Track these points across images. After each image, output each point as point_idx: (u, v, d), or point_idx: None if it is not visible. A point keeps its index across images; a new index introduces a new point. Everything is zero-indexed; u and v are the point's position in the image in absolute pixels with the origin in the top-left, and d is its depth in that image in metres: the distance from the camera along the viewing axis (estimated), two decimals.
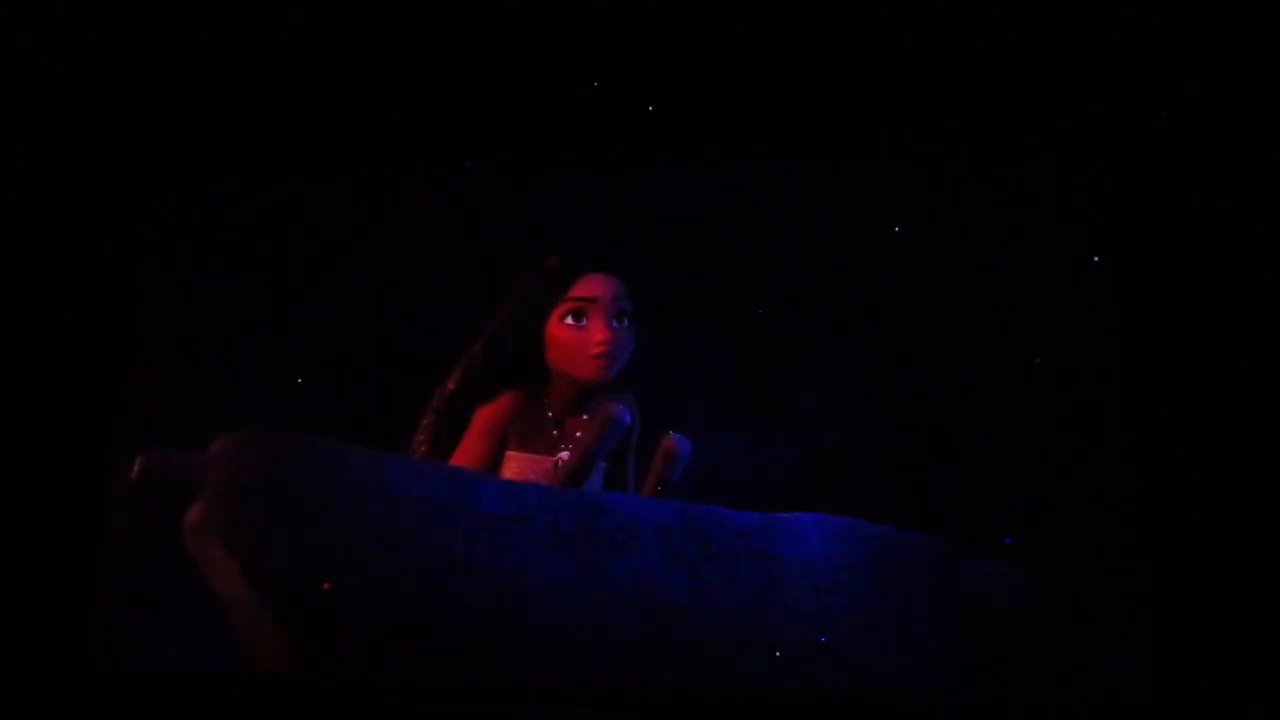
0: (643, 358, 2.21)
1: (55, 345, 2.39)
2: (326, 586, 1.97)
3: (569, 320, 2.11)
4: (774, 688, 2.04)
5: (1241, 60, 2.25)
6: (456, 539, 2.00)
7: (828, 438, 2.25)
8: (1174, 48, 2.28)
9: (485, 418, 2.13)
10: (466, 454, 2.14)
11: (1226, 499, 2.11)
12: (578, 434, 2.14)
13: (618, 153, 2.44)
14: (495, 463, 2.14)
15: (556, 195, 2.41)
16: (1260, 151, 2.23)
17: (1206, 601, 2.08)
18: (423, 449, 2.18)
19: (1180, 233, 2.24)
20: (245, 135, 2.49)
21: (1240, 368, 2.17)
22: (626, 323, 2.15)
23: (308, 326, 2.36)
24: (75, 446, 2.33)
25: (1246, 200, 2.22)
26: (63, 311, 2.41)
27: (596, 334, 2.11)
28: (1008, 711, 2.09)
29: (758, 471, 2.23)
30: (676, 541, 2.05)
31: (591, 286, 2.12)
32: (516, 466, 2.13)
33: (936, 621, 2.06)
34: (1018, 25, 2.34)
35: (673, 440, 2.10)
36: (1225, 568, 2.09)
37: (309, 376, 2.32)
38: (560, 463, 2.11)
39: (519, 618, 1.99)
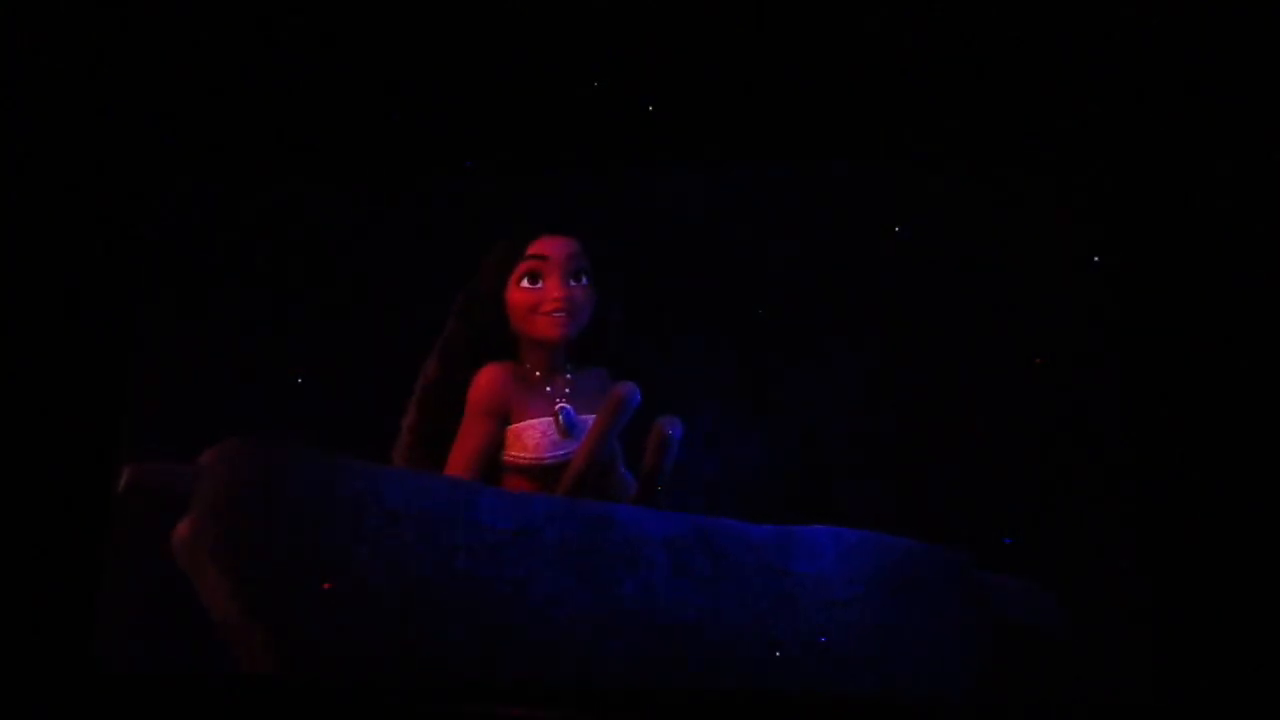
0: (614, 330, 2.22)
1: (55, 346, 2.39)
2: (327, 586, 1.96)
3: (525, 283, 2.13)
4: (786, 700, 2.03)
5: (1241, 60, 2.24)
6: (458, 554, 1.98)
7: (828, 437, 2.25)
8: (1174, 48, 2.28)
9: (481, 398, 2.13)
10: (472, 438, 2.13)
11: (1227, 499, 2.11)
12: (566, 390, 2.15)
13: (618, 153, 2.44)
14: (501, 442, 2.13)
15: (556, 195, 2.41)
16: (1260, 151, 2.23)
17: (1207, 602, 2.08)
18: (409, 440, 2.18)
19: (1180, 233, 2.24)
20: (245, 135, 2.49)
21: (1240, 368, 2.16)
22: (585, 281, 2.16)
23: (308, 326, 2.36)
24: (75, 446, 2.33)
25: (1246, 200, 2.22)
26: (63, 311, 2.41)
27: (551, 290, 2.12)
28: None
29: (758, 472, 2.23)
30: (687, 556, 2.02)
31: (544, 247, 2.15)
32: (524, 436, 2.12)
33: (955, 636, 2.05)
34: (1018, 25, 2.33)
35: (663, 425, 2.09)
36: (1226, 568, 2.09)
37: (309, 376, 2.32)
38: (562, 412, 2.11)
39: (521, 635, 1.97)
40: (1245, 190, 2.22)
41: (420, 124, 2.46)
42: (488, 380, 2.14)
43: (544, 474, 2.12)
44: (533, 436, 2.13)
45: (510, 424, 2.14)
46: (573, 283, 2.15)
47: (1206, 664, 2.05)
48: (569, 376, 2.19)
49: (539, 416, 2.14)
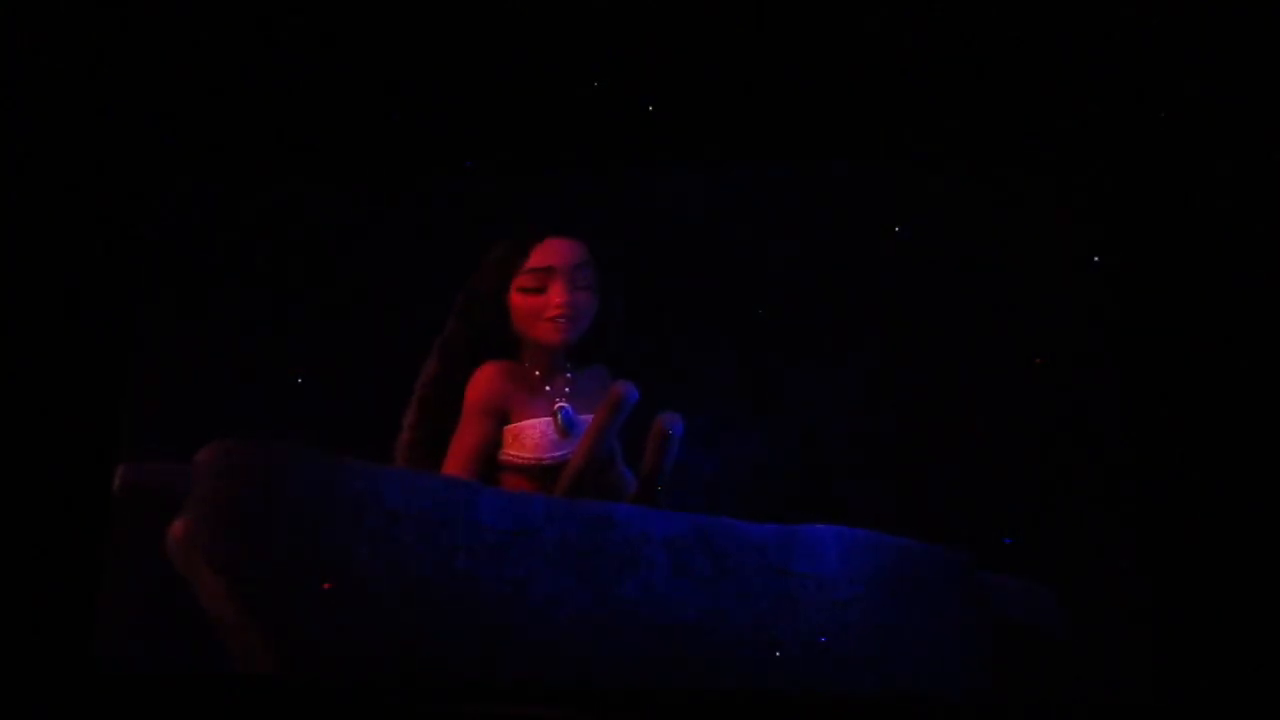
0: (615, 330, 2.22)
1: (55, 346, 2.39)
2: (327, 586, 1.96)
3: (529, 288, 2.14)
4: (787, 700, 2.03)
5: (1241, 60, 2.24)
6: (458, 554, 1.98)
7: (828, 437, 2.25)
8: (1174, 48, 2.28)
9: (479, 396, 2.14)
10: (469, 436, 2.13)
11: (1227, 499, 2.11)
12: (566, 390, 2.15)
13: (618, 153, 2.44)
14: (498, 441, 2.14)
15: (556, 195, 2.41)
16: (1260, 151, 2.23)
17: (1207, 602, 2.08)
18: (409, 438, 2.17)
19: (1180, 233, 2.24)
20: (245, 135, 2.49)
21: (1240, 367, 2.16)
22: (589, 286, 2.16)
23: (308, 326, 2.36)
24: (75, 446, 2.33)
25: (1246, 200, 2.22)
26: (62, 311, 2.41)
27: (555, 297, 2.13)
28: None
29: (758, 472, 2.23)
30: (687, 556, 2.02)
31: (549, 254, 2.15)
32: (523, 436, 2.12)
33: (955, 636, 2.05)
34: (1018, 25, 2.33)
35: (664, 422, 2.09)
36: (1226, 568, 2.09)
37: (309, 376, 2.32)
38: (560, 412, 2.11)
39: (521, 635, 1.97)
40: (1245, 190, 2.22)
41: (420, 124, 2.46)
42: (485, 379, 2.14)
43: (543, 474, 2.12)
44: (531, 436, 2.13)
45: (509, 423, 2.14)
46: (577, 289, 2.15)
47: (1206, 664, 2.05)
48: (569, 375, 2.19)
49: (538, 416, 2.14)
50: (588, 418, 2.12)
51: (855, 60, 2.37)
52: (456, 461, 2.13)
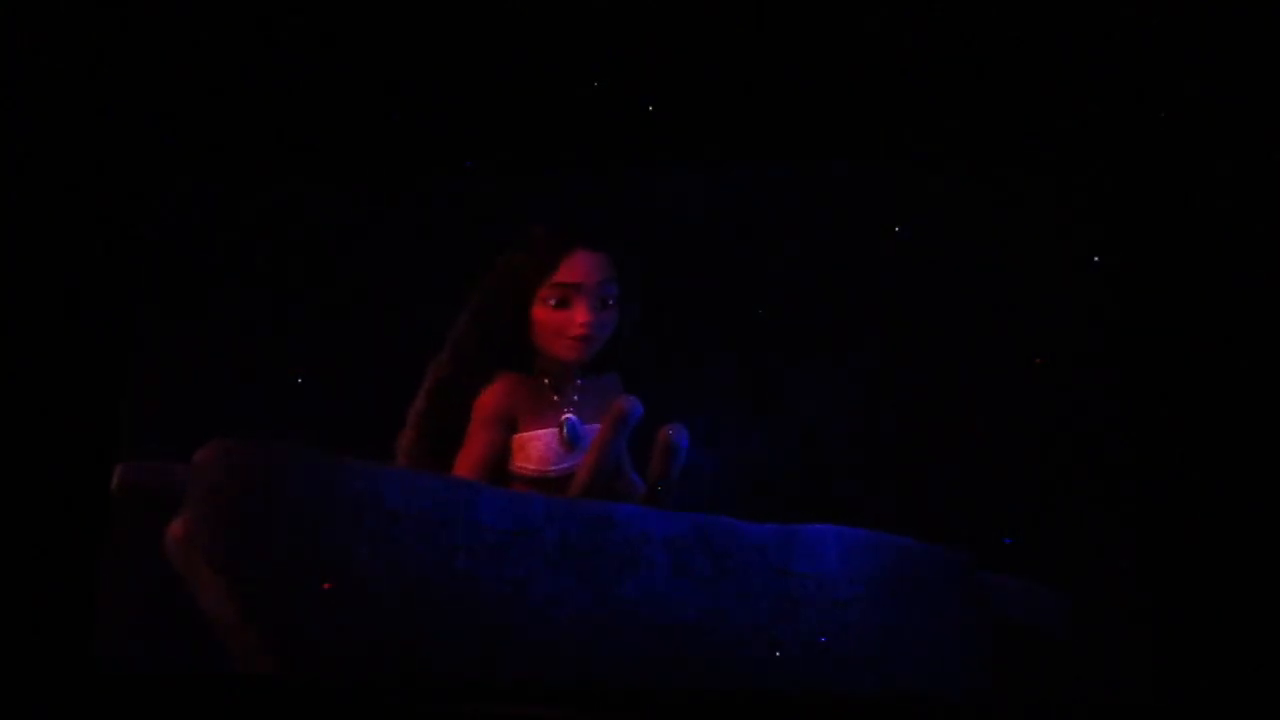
0: (631, 336, 2.22)
1: (54, 345, 2.39)
2: (327, 586, 1.96)
3: (553, 304, 2.12)
4: (787, 701, 2.03)
5: (1241, 60, 2.24)
6: (458, 554, 1.98)
7: (828, 437, 2.25)
8: (1174, 48, 2.28)
9: (489, 406, 2.13)
10: (477, 444, 2.13)
11: (1227, 499, 2.11)
12: (575, 398, 2.15)
13: (618, 153, 2.44)
14: (506, 450, 2.13)
15: (556, 195, 2.41)
16: (1260, 151, 2.23)
17: (1207, 602, 2.08)
18: (414, 433, 2.17)
19: (1180, 233, 2.24)
20: (245, 135, 2.49)
21: (1240, 367, 2.16)
22: (612, 303, 2.15)
23: (308, 326, 2.36)
24: (75, 446, 2.33)
25: (1246, 200, 2.22)
26: (61, 311, 2.41)
27: (579, 315, 2.11)
28: None
29: (759, 472, 2.23)
30: (687, 556, 2.02)
31: (576, 270, 2.12)
32: (529, 447, 2.12)
33: (955, 636, 2.05)
34: (1018, 25, 2.33)
35: (669, 433, 2.09)
36: (1226, 568, 2.09)
37: (309, 376, 2.32)
38: (566, 423, 2.10)
39: (521, 635, 1.97)
40: (1245, 190, 2.22)
41: (420, 124, 2.46)
42: (494, 390, 2.14)
43: (549, 485, 2.12)
44: (537, 448, 2.13)
45: (517, 431, 2.14)
46: (601, 308, 2.14)
47: (1206, 664, 2.05)
48: (579, 383, 2.19)
49: (546, 426, 2.14)
50: (595, 427, 2.12)
51: (855, 60, 2.37)
52: (463, 470, 2.13)
